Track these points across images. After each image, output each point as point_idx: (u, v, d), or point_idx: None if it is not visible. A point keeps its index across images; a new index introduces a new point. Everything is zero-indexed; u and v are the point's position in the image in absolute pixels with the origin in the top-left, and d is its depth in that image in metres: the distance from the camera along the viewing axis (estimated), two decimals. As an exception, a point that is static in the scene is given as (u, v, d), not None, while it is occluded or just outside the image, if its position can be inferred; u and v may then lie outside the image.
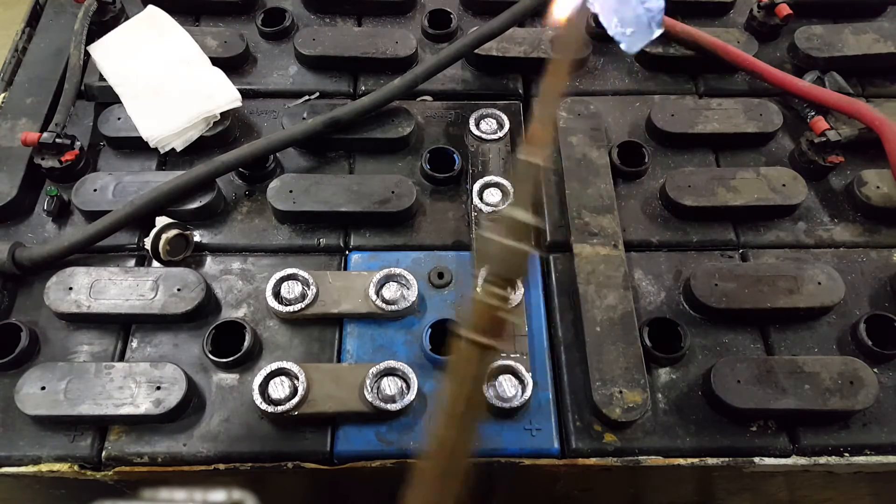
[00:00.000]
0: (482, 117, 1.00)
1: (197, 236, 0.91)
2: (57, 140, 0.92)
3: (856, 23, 1.10)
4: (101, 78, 1.02)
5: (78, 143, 0.95)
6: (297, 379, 0.77)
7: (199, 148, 0.98)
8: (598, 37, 1.12)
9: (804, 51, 1.06)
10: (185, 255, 0.89)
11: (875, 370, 0.79)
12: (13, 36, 1.11)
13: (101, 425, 0.77)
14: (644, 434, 0.78)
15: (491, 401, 0.76)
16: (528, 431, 0.78)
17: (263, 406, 0.75)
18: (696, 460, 0.77)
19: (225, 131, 0.98)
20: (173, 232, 0.86)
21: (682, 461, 0.77)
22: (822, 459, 0.78)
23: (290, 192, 0.91)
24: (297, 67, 1.08)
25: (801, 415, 0.78)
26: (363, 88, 1.06)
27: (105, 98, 1.01)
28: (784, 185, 0.93)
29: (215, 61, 1.03)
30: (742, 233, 0.93)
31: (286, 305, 0.83)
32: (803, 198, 0.92)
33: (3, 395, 0.78)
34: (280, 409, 0.75)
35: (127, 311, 0.82)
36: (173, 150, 0.97)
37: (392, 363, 0.78)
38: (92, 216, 0.89)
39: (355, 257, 0.90)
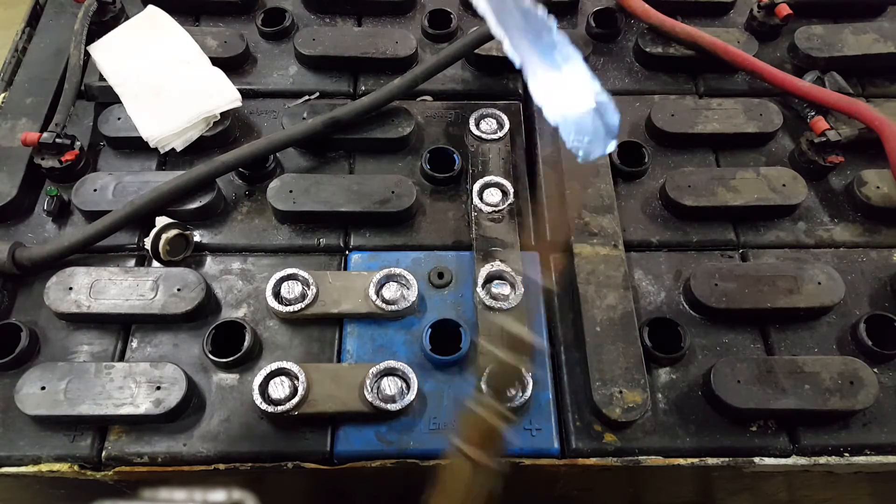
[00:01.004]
0: (482, 117, 1.00)
1: (197, 236, 0.91)
2: (57, 140, 0.92)
3: (856, 23, 1.10)
4: (101, 78, 1.02)
5: (78, 143, 0.95)
6: (297, 379, 0.77)
7: (199, 148, 0.98)
8: (598, 37, 1.12)
9: (804, 51, 1.06)
10: (185, 255, 0.89)
11: (875, 370, 0.79)
12: (13, 36, 1.11)
13: (101, 425, 0.77)
14: (644, 434, 0.78)
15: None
16: (528, 431, 0.78)
17: (263, 406, 0.75)
18: (696, 460, 0.77)
19: (225, 131, 0.98)
20: (173, 232, 0.86)
21: (682, 461, 0.77)
22: (822, 459, 0.78)
23: (290, 192, 0.91)
24: (297, 67, 1.08)
25: (801, 415, 0.78)
26: (363, 88, 1.06)
27: (105, 98, 1.01)
28: (784, 185, 0.93)
29: (215, 61, 1.03)
30: (742, 233, 0.93)
31: (286, 305, 0.83)
32: (803, 198, 0.92)
33: (3, 395, 0.78)
34: (280, 409, 0.75)
35: (127, 311, 0.82)
36: (173, 150, 0.97)
37: (392, 363, 0.78)
38: (92, 216, 0.89)
39: (355, 257, 0.90)
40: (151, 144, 0.95)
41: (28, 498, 0.87)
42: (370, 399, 0.76)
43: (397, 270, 0.85)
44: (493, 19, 0.63)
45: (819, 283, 0.84)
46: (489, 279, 0.85)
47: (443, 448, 0.74)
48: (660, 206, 0.95)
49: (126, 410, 0.75)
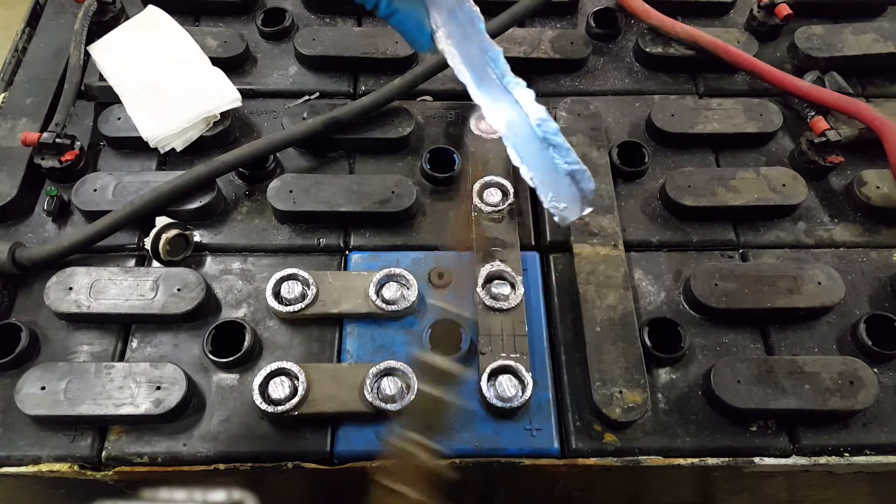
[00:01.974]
0: (482, 117, 1.00)
1: (197, 236, 0.91)
2: (57, 140, 0.92)
3: (856, 23, 1.10)
4: (101, 78, 1.02)
5: (78, 143, 0.95)
6: (297, 379, 0.77)
7: (199, 148, 0.98)
8: (598, 37, 1.12)
9: (804, 51, 1.06)
10: (185, 255, 0.89)
11: (875, 370, 0.79)
12: (13, 36, 1.11)
13: (101, 425, 0.77)
14: (644, 434, 0.78)
15: (491, 400, 0.76)
16: (528, 431, 0.78)
17: (263, 406, 0.75)
18: (696, 460, 0.77)
19: (225, 131, 0.98)
20: (173, 232, 0.86)
21: (682, 461, 0.77)
22: (822, 459, 0.78)
23: (290, 192, 0.91)
24: (297, 67, 1.08)
25: (801, 415, 0.78)
26: (363, 88, 1.06)
27: (105, 98, 1.01)
28: (784, 185, 0.93)
29: (215, 61, 1.03)
30: (742, 233, 0.93)
31: (286, 305, 0.83)
32: (803, 198, 0.92)
33: (3, 395, 0.78)
34: (280, 409, 0.75)
35: (127, 311, 0.82)
36: (173, 150, 0.97)
37: (392, 363, 0.78)
38: (92, 216, 0.89)
39: (355, 257, 0.90)
40: (151, 144, 0.95)
41: (28, 498, 0.87)
42: (370, 399, 0.75)
43: (397, 270, 0.85)
44: (474, 88, 0.68)
45: (819, 283, 0.84)
46: (489, 279, 0.85)
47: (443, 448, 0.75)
48: (660, 206, 0.95)
49: (126, 410, 0.75)
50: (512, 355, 0.80)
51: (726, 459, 0.77)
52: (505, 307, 0.83)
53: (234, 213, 0.94)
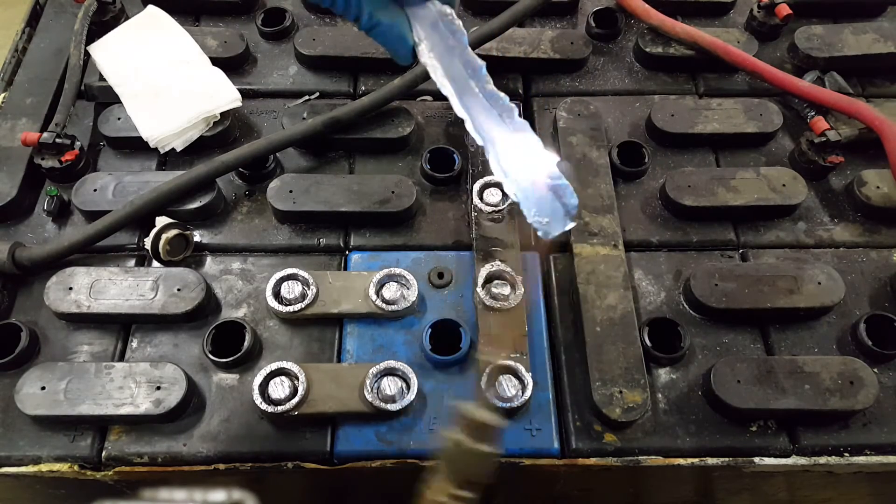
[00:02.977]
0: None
1: (197, 236, 0.91)
2: (57, 140, 0.92)
3: (856, 23, 1.10)
4: (101, 78, 1.02)
5: (78, 143, 0.95)
6: (297, 379, 0.77)
7: (199, 148, 0.98)
8: (598, 37, 1.12)
9: (804, 51, 1.06)
10: (185, 255, 0.89)
11: (875, 370, 0.79)
12: (13, 36, 1.11)
13: (101, 425, 0.77)
14: (644, 434, 0.78)
15: (491, 401, 0.76)
16: (528, 431, 0.78)
17: (263, 406, 0.75)
18: (696, 460, 0.77)
19: (225, 131, 0.98)
20: (173, 232, 0.86)
21: (682, 461, 0.77)
22: (822, 459, 0.78)
23: (290, 192, 0.91)
24: (297, 67, 1.08)
25: (801, 415, 0.78)
26: (363, 88, 1.06)
27: (105, 98, 1.01)
28: (784, 185, 0.93)
29: (215, 61, 1.03)
30: (742, 233, 0.93)
31: (286, 305, 0.83)
32: (803, 198, 0.92)
33: (3, 395, 0.79)
34: (280, 409, 0.75)
35: (127, 311, 0.82)
36: (173, 150, 0.97)
37: (392, 363, 0.78)
38: (92, 216, 0.89)
39: (355, 257, 0.90)
40: (151, 144, 0.95)
41: (28, 498, 0.87)
42: (370, 399, 0.76)
43: (397, 270, 0.85)
44: (457, 101, 0.68)
45: (819, 283, 0.84)
46: (489, 279, 0.85)
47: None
48: (660, 206, 0.95)
49: (126, 410, 0.75)
50: (512, 355, 0.80)
51: (726, 459, 0.77)
52: (505, 307, 0.83)
53: (234, 213, 0.94)
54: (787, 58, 1.10)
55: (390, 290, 0.84)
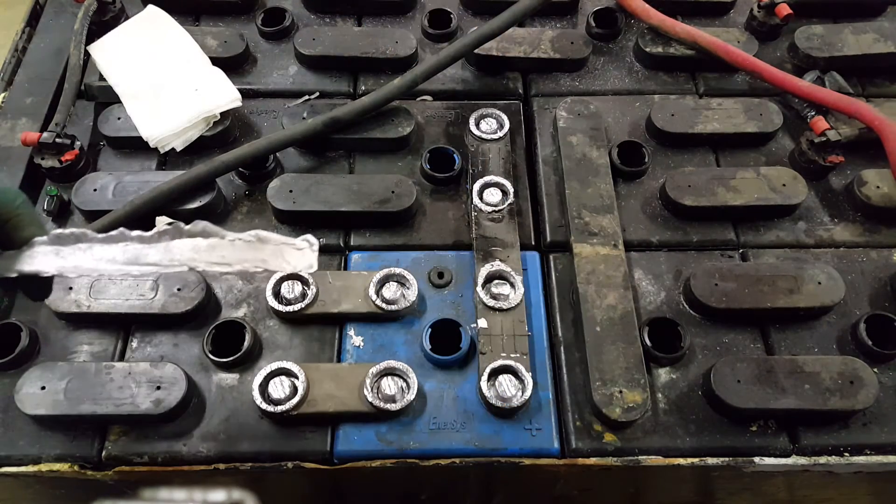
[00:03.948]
0: (482, 117, 1.00)
1: (197, 236, 0.91)
2: (57, 140, 0.92)
3: (856, 23, 1.10)
4: (101, 78, 1.02)
5: (78, 143, 0.95)
6: (297, 379, 0.77)
7: (199, 148, 0.98)
8: (598, 37, 1.12)
9: (804, 51, 1.06)
10: (185, 254, 0.88)
11: (875, 370, 0.79)
12: (13, 36, 1.11)
13: (101, 425, 0.77)
14: (644, 434, 0.78)
15: (491, 400, 0.76)
16: (528, 431, 0.78)
17: (263, 406, 0.75)
18: (696, 460, 0.77)
19: (225, 131, 0.98)
20: (173, 232, 0.86)
21: (682, 461, 0.77)
22: (822, 459, 0.78)
23: (290, 191, 0.91)
24: (297, 67, 1.08)
25: (801, 415, 0.78)
26: (363, 88, 1.06)
27: (105, 98, 1.01)
28: (784, 185, 0.93)
29: (215, 61, 1.03)
30: (742, 233, 0.93)
31: (286, 305, 0.83)
32: (803, 198, 0.92)
33: (3, 395, 0.78)
34: (280, 408, 0.75)
35: (127, 311, 0.82)
36: (173, 150, 0.97)
37: (392, 363, 0.78)
38: (92, 216, 0.89)
39: (355, 257, 0.90)
40: (151, 144, 0.95)
41: (28, 498, 0.87)
42: (370, 399, 0.76)
43: (397, 270, 0.85)
44: None
45: (819, 283, 0.84)
46: (489, 279, 0.85)
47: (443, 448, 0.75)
48: (660, 206, 0.95)
49: (126, 410, 0.75)
50: (512, 355, 0.80)
51: (726, 459, 0.77)
52: (505, 307, 0.83)
53: (234, 213, 0.94)
54: (787, 58, 1.10)
55: (390, 290, 0.84)
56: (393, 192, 0.91)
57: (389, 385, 0.77)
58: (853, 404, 0.76)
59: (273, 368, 0.77)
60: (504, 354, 0.80)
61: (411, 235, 0.92)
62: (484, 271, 0.85)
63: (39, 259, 0.60)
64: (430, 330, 0.81)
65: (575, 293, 0.84)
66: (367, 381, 0.77)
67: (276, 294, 0.83)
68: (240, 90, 0.99)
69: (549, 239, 0.92)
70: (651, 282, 0.89)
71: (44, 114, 1.00)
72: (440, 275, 0.87)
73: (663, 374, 0.82)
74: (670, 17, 1.07)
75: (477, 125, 0.99)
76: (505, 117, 1.00)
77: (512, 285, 0.85)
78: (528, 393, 0.77)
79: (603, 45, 1.13)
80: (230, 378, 0.81)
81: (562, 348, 0.84)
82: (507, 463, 0.77)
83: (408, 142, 1.00)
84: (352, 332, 0.84)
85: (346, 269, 0.89)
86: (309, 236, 0.66)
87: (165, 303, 0.82)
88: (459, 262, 0.89)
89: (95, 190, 0.91)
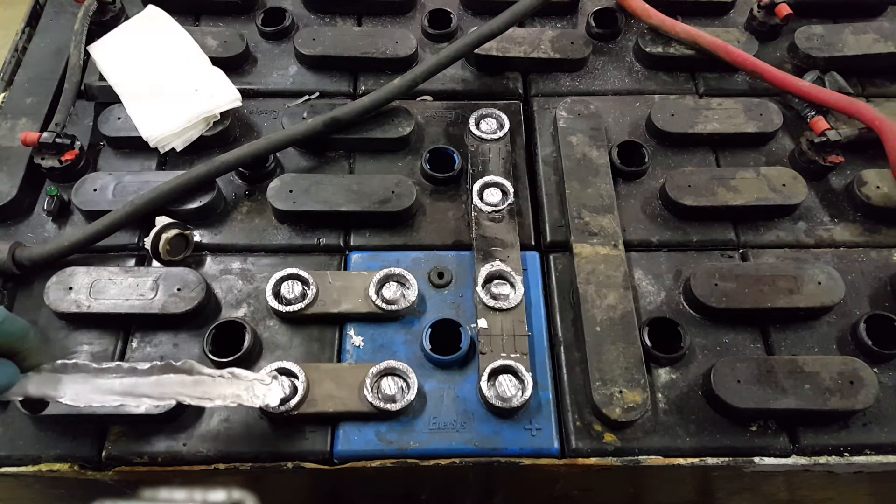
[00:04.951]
0: (482, 117, 1.00)
1: (197, 236, 0.91)
2: (57, 140, 0.92)
3: (856, 23, 1.10)
4: (101, 78, 1.02)
5: (78, 143, 0.95)
6: (297, 379, 0.77)
7: (199, 148, 0.98)
8: (598, 37, 1.12)
9: (804, 51, 1.06)
10: (185, 255, 0.89)
11: (875, 370, 0.79)
12: (13, 36, 1.11)
13: (101, 425, 0.77)
14: (644, 434, 0.78)
15: (491, 400, 0.76)
16: (528, 431, 0.78)
17: (263, 406, 0.75)
18: (696, 460, 0.77)
19: (225, 131, 0.98)
20: (173, 232, 0.86)
21: (682, 461, 0.77)
22: (822, 459, 0.78)
23: (290, 191, 0.91)
24: (297, 67, 1.08)
25: (801, 415, 0.78)
26: (363, 88, 1.06)
27: (105, 98, 1.01)
28: (784, 185, 0.93)
29: (215, 61, 1.03)
30: (742, 233, 0.93)
31: (286, 305, 0.83)
32: (803, 198, 0.92)
33: (3, 394, 0.78)
34: (280, 408, 0.75)
35: (127, 311, 0.81)
36: (173, 150, 0.97)
37: (392, 363, 0.78)
38: (92, 216, 0.89)
39: (355, 257, 0.90)
40: (151, 144, 0.95)
41: (28, 498, 0.87)
42: (370, 399, 0.76)
43: (397, 270, 0.85)
44: None
45: (819, 283, 0.84)
46: (489, 279, 0.85)
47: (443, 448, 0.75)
48: (660, 206, 0.95)
49: (126, 410, 0.75)
50: (512, 355, 0.80)
51: (726, 459, 0.77)
52: (505, 307, 0.83)
53: (234, 212, 0.94)
54: (787, 58, 1.10)
55: (390, 290, 0.84)
56: (393, 192, 0.91)
57: (389, 385, 0.77)
58: (853, 404, 0.76)
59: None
60: (504, 354, 0.80)
61: (411, 235, 0.92)
62: (484, 271, 0.85)
63: (45, 386, 0.69)
64: (430, 330, 0.81)
65: (575, 293, 0.84)
66: (367, 381, 0.77)
67: (276, 294, 0.83)
68: (240, 90, 0.99)
69: (549, 239, 0.92)
70: (651, 282, 0.89)
71: (44, 114, 1.00)
72: (440, 275, 0.87)
73: (663, 374, 0.82)
74: (670, 17, 1.07)
75: (477, 125, 0.99)
76: (505, 117, 1.00)
77: (512, 285, 0.85)
78: (528, 393, 0.77)
79: (603, 45, 1.13)
80: (230, 378, 0.81)
81: (562, 348, 0.84)
82: (507, 463, 0.77)
83: (408, 142, 1.00)
84: (352, 332, 0.84)
85: (346, 269, 0.89)
86: (272, 370, 0.76)
87: (165, 303, 0.82)
88: (459, 262, 0.89)
89: (95, 190, 0.91)
